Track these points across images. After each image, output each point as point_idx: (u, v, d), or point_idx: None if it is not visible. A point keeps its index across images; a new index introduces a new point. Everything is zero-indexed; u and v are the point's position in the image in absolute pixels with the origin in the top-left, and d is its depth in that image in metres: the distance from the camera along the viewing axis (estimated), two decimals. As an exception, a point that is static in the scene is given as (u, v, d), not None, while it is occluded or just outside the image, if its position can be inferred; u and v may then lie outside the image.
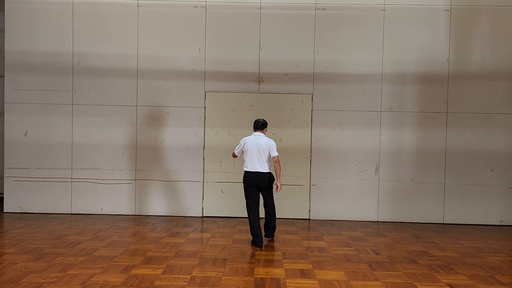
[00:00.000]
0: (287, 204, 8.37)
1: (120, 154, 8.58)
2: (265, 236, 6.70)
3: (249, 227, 6.64)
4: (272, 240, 6.77)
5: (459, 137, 8.46)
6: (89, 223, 7.78)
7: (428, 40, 8.49)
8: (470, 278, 5.19)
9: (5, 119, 8.64)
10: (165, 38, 8.57)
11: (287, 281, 4.93)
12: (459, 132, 8.46)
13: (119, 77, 8.56)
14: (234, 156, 6.79)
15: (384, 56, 8.51)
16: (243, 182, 6.57)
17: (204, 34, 8.56)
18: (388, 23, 8.50)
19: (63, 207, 8.59)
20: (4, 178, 8.64)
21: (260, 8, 8.51)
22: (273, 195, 6.69)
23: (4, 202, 8.65)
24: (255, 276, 5.08)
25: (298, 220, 8.49)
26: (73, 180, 8.58)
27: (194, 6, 8.54)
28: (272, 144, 6.52)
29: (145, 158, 8.57)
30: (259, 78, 8.55)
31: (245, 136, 6.88)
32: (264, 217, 6.79)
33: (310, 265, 5.54)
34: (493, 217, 8.49)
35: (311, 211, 8.58)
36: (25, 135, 8.57)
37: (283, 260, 5.75)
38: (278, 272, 5.26)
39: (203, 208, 8.60)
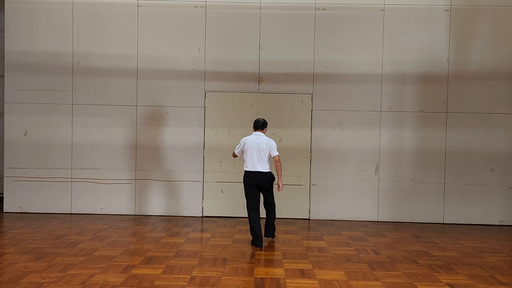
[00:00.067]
0: (287, 204, 8.37)
1: (120, 154, 8.57)
2: (264, 235, 6.69)
3: (249, 227, 6.64)
4: (273, 241, 6.76)
5: (459, 137, 8.46)
6: (89, 223, 7.78)
7: (428, 40, 8.49)
8: (470, 278, 5.19)
9: (5, 119, 8.64)
10: (165, 38, 8.57)
11: (287, 281, 4.93)
12: (459, 132, 8.46)
13: (119, 77, 8.56)
14: (234, 156, 6.80)
15: (384, 56, 8.51)
16: (244, 182, 6.56)
17: (204, 34, 8.56)
18: (388, 23, 8.50)
19: (63, 207, 8.59)
20: (4, 178, 8.64)
21: (260, 8, 8.51)
22: (274, 194, 6.69)
23: (4, 202, 8.65)
24: (255, 276, 5.08)
25: (298, 220, 8.49)
26: (73, 180, 8.58)
27: (194, 6, 8.54)
28: (272, 143, 6.53)
29: (145, 158, 8.57)
30: (259, 78, 8.55)
31: (245, 136, 6.87)
32: (264, 217, 6.77)
33: (310, 265, 5.54)
34: (493, 217, 8.49)
35: (311, 211, 8.58)
36: (25, 135, 8.57)
37: (283, 260, 5.75)
38: (278, 272, 5.26)
39: (203, 208, 8.60)
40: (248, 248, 6.34)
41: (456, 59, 8.48)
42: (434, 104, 8.48)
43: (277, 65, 8.53)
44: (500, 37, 8.47)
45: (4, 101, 8.62)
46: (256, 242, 6.44)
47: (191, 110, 8.55)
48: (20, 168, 8.56)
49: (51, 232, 7.02)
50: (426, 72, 8.49)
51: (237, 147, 6.69)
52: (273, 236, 6.76)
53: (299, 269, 5.38)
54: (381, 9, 8.49)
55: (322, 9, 8.51)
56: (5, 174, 8.62)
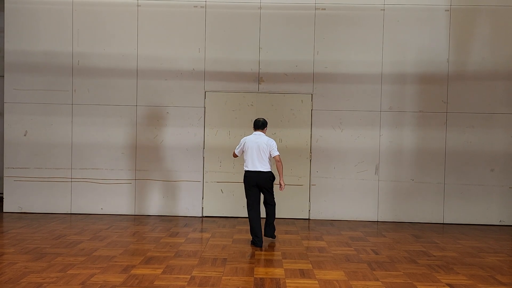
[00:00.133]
0: (287, 204, 8.37)
1: (120, 154, 8.57)
2: (264, 235, 6.66)
3: (249, 227, 6.64)
4: (273, 241, 6.75)
5: (459, 137, 8.46)
6: (89, 223, 7.78)
7: (428, 40, 8.49)
8: (470, 278, 5.19)
9: (5, 119, 8.64)
10: (165, 38, 8.57)
11: (287, 281, 4.93)
12: (459, 132, 8.45)
13: (119, 77, 8.56)
14: (235, 156, 6.80)
15: (384, 56, 8.51)
16: (244, 182, 6.56)
17: (204, 34, 8.56)
18: (388, 23, 8.50)
19: (63, 207, 8.59)
20: (4, 178, 8.64)
21: (260, 8, 8.51)
22: (274, 194, 6.68)
23: (4, 202, 8.65)
24: (255, 276, 5.08)
25: (298, 220, 8.49)
26: (73, 180, 8.58)
27: (194, 6, 8.54)
28: (273, 143, 6.53)
29: (145, 158, 8.57)
30: (259, 78, 8.55)
31: (245, 136, 6.87)
32: (264, 217, 6.76)
33: (310, 265, 5.54)
34: (493, 217, 8.48)
35: (311, 211, 8.57)
36: (25, 135, 8.57)
37: (283, 260, 5.75)
38: (278, 272, 5.26)
39: (203, 208, 8.60)
40: (248, 248, 6.34)
41: (456, 59, 8.48)
42: (434, 104, 8.48)
43: (277, 65, 8.53)
44: (500, 37, 8.47)
45: (4, 101, 8.62)
46: (256, 242, 6.44)
47: (191, 110, 8.55)
48: (20, 168, 8.56)
49: (51, 232, 7.02)
50: (426, 72, 8.49)
51: (237, 147, 6.70)
52: (273, 236, 6.73)
53: (299, 269, 5.38)
54: (381, 9, 8.49)
55: (322, 9, 8.51)
56: (5, 174, 8.62)
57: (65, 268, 5.19)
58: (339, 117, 8.52)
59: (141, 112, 8.57)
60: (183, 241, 6.69)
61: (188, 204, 8.58)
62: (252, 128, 6.82)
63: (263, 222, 6.66)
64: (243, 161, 6.67)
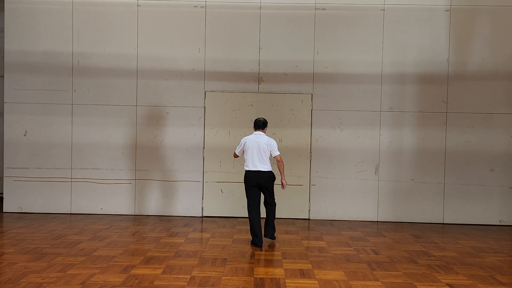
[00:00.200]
0: (287, 204, 8.37)
1: (120, 154, 8.57)
2: (264, 235, 6.64)
3: (249, 227, 6.63)
4: (273, 241, 6.73)
5: (459, 137, 8.46)
6: (89, 223, 7.78)
7: (428, 40, 8.49)
8: (470, 278, 5.19)
9: (5, 119, 8.64)
10: (165, 38, 8.57)
11: (286, 281, 4.93)
12: (459, 132, 8.45)
13: (119, 77, 8.56)
14: (235, 156, 6.79)
15: (384, 56, 8.51)
16: (244, 182, 6.56)
17: (204, 34, 8.56)
18: (388, 23, 8.50)
19: (63, 207, 8.59)
20: (4, 178, 8.64)
21: (260, 8, 8.51)
22: (274, 194, 6.67)
23: (3, 202, 8.65)
24: (254, 276, 5.08)
25: (298, 220, 8.49)
26: (72, 180, 8.58)
27: (194, 6, 8.54)
28: (273, 143, 6.53)
29: (145, 158, 8.57)
30: (259, 78, 8.55)
31: (245, 136, 6.87)
32: (264, 217, 6.76)
33: (310, 265, 5.54)
34: (493, 217, 8.48)
35: (311, 211, 8.57)
36: (24, 135, 8.57)
37: (283, 260, 5.75)
38: (277, 272, 5.26)
39: (202, 208, 8.60)
40: (248, 248, 6.33)
41: (456, 59, 8.48)
42: (434, 104, 8.48)
43: (277, 65, 8.53)
44: (500, 37, 8.47)
45: (4, 101, 8.62)
46: (256, 242, 6.44)
47: (191, 110, 8.55)
48: (20, 168, 8.56)
49: (50, 232, 7.02)
50: (426, 72, 8.49)
51: (237, 147, 6.70)
52: (273, 237, 6.69)
53: (299, 269, 5.38)
54: (381, 9, 8.49)
55: (322, 9, 8.51)
56: (5, 174, 8.62)
57: (65, 268, 5.19)
58: (339, 117, 8.52)
59: (141, 112, 8.57)
60: (183, 241, 6.69)
61: (188, 204, 8.58)
62: (252, 128, 6.82)
63: (263, 222, 6.65)
64: (243, 161, 6.67)
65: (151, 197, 8.60)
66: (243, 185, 6.65)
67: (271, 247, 6.46)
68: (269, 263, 5.68)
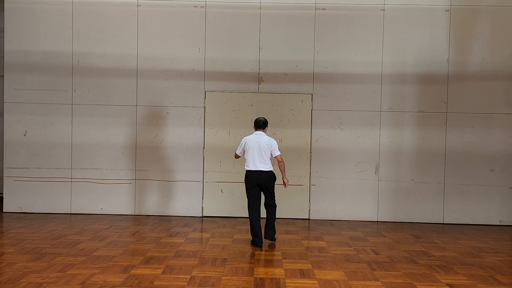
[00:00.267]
0: (287, 204, 8.36)
1: (120, 154, 8.57)
2: (264, 236, 6.61)
3: (249, 227, 6.63)
4: (273, 242, 6.70)
5: (459, 137, 8.46)
6: (89, 223, 7.78)
7: (428, 40, 8.49)
8: (469, 278, 5.19)
9: (5, 119, 8.64)
10: (165, 38, 8.57)
11: (286, 281, 4.93)
12: (459, 132, 8.45)
13: (119, 77, 8.56)
14: (236, 157, 6.77)
15: (384, 56, 8.51)
16: (245, 181, 6.55)
17: (204, 34, 8.56)
18: (388, 23, 8.50)
19: (63, 207, 8.58)
20: (4, 178, 8.64)
21: (260, 8, 8.51)
22: (275, 196, 6.66)
23: (3, 202, 8.65)
24: (254, 276, 5.08)
25: (298, 220, 8.49)
26: (72, 180, 8.57)
27: (194, 6, 8.54)
28: (274, 143, 6.52)
29: (145, 158, 8.57)
30: (259, 78, 8.55)
31: (245, 136, 6.87)
32: (265, 217, 6.76)
33: (310, 265, 5.54)
34: (493, 217, 8.48)
35: (311, 211, 8.57)
36: (24, 135, 8.57)
37: (283, 260, 5.75)
38: (278, 272, 5.26)
39: (202, 208, 8.60)
40: (248, 248, 6.33)
41: (456, 59, 8.48)
42: (434, 104, 8.48)
43: (277, 65, 8.53)
44: (500, 37, 8.47)
45: (4, 101, 8.62)
46: (256, 242, 6.44)
47: (191, 110, 8.55)
48: (20, 168, 8.56)
49: (50, 232, 7.02)
50: (426, 72, 8.49)
51: (238, 148, 6.68)
52: (273, 239, 6.66)
53: (299, 269, 5.38)
54: (381, 9, 8.49)
55: (322, 9, 8.51)
56: (5, 174, 8.62)
57: (65, 268, 5.19)
58: (339, 117, 8.52)
59: (141, 112, 8.57)
60: (183, 241, 6.69)
61: (188, 204, 8.58)
62: (252, 128, 6.82)
63: (263, 222, 6.65)
64: (243, 161, 6.67)
65: (151, 197, 8.60)
66: (243, 185, 6.65)
67: (271, 247, 6.46)
68: (269, 263, 5.68)
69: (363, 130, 8.50)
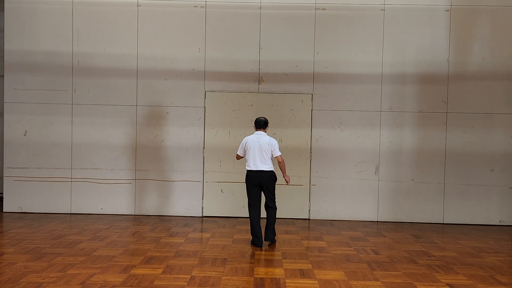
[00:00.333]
0: (287, 204, 8.36)
1: (120, 154, 8.57)
2: (264, 239, 6.57)
3: (249, 227, 6.62)
4: (273, 245, 6.67)
5: (459, 137, 8.46)
6: (89, 223, 7.78)
7: (428, 40, 8.49)
8: (469, 278, 5.19)
9: (4, 119, 8.64)
10: (165, 38, 8.57)
11: (287, 281, 4.93)
12: (459, 132, 8.45)
13: (119, 77, 8.56)
14: (239, 157, 6.73)
15: (384, 56, 8.51)
16: (246, 181, 6.55)
17: (204, 34, 8.56)
18: (388, 23, 8.50)
19: (63, 207, 8.58)
20: (4, 177, 8.64)
21: (260, 8, 8.51)
22: (275, 197, 6.64)
23: (3, 202, 8.65)
24: (254, 276, 5.08)
25: (298, 220, 8.49)
26: (72, 180, 8.57)
27: (194, 6, 8.54)
28: (274, 143, 6.52)
29: (145, 158, 8.57)
30: (259, 78, 8.55)
31: (245, 136, 6.86)
32: (265, 217, 6.75)
33: (310, 265, 5.54)
34: (493, 217, 8.48)
35: (311, 211, 8.57)
36: (24, 135, 8.57)
37: (283, 260, 5.75)
38: (278, 272, 5.26)
39: (202, 208, 8.59)
40: (248, 248, 6.33)
41: (456, 59, 8.48)
42: (434, 104, 8.48)
43: (277, 65, 8.53)
44: (500, 37, 8.47)
45: (4, 101, 8.62)
46: (256, 242, 6.44)
47: (191, 110, 8.55)
48: (20, 168, 8.56)
49: (50, 232, 7.02)
50: (426, 72, 8.49)
51: (239, 148, 6.66)
52: (273, 241, 6.63)
53: (299, 269, 5.38)
54: (381, 9, 8.49)
55: (322, 9, 8.51)
56: (5, 174, 8.62)
57: (65, 268, 5.19)
58: (339, 117, 8.52)
59: (141, 112, 8.57)
60: (183, 241, 6.69)
61: (188, 204, 8.58)
62: (252, 128, 6.82)
63: (263, 222, 6.64)
64: (244, 161, 6.66)
65: (151, 197, 8.60)
66: (243, 185, 6.65)
67: (271, 247, 6.46)
68: (269, 263, 5.68)
69: (363, 130, 8.50)
